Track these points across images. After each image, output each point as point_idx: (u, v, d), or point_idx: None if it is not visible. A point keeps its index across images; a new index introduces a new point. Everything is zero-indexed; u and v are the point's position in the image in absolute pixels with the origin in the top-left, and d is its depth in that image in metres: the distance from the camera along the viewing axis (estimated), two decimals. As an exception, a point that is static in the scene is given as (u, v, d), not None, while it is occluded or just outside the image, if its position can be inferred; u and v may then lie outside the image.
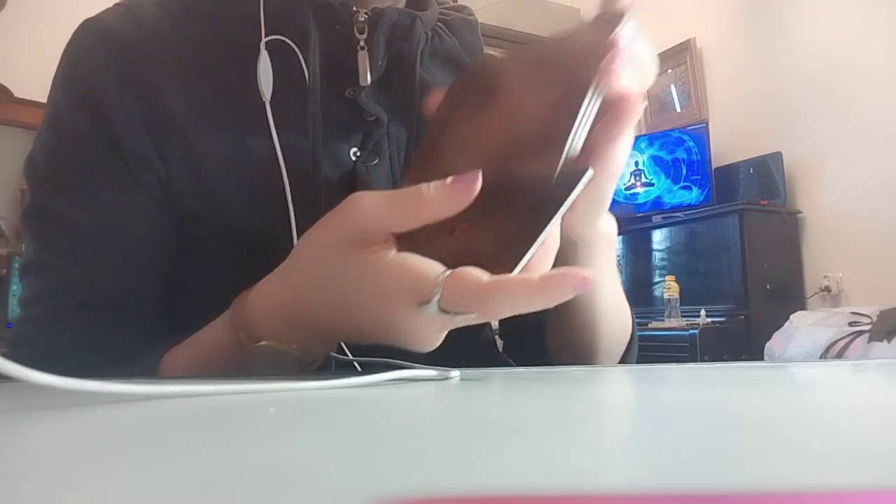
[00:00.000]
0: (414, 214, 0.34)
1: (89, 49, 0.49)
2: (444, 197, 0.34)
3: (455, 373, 0.35)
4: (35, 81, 0.61)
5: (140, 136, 0.48)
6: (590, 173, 0.34)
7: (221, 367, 0.40)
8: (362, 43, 0.50)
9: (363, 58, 0.50)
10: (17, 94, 2.57)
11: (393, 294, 0.33)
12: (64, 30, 0.56)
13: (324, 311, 0.37)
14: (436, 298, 0.32)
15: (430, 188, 0.34)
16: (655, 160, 3.23)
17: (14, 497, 0.11)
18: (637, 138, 3.37)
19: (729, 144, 3.08)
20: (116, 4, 0.52)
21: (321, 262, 0.36)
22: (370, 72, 0.50)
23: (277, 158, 0.47)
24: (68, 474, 0.13)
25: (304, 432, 0.18)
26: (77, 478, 0.13)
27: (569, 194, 0.33)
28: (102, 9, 0.52)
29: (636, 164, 3.28)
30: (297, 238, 0.45)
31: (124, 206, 0.48)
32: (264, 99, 0.48)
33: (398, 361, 0.37)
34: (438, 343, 0.35)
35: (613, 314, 0.51)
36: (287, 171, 0.48)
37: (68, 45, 0.51)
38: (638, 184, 3.26)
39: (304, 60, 0.49)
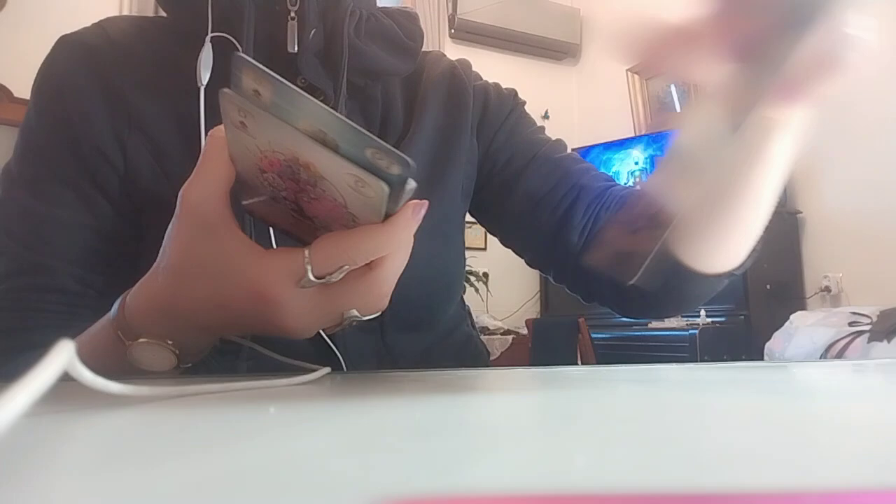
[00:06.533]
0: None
1: (60, 58, 0.56)
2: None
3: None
4: (35, 81, 0.61)
5: (101, 130, 0.53)
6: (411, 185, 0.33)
7: (110, 363, 0.41)
8: (293, 14, 0.54)
9: (292, 27, 0.54)
10: (17, 94, 2.58)
11: (267, 282, 0.35)
12: (64, 30, 0.57)
13: (198, 306, 0.38)
14: (309, 268, 0.34)
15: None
16: (655, 160, 3.23)
17: (13, 498, 0.11)
18: (637, 138, 3.37)
19: (729, 144, 3.08)
20: (93, 24, 0.59)
21: (183, 261, 0.38)
22: (299, 41, 0.54)
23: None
24: (69, 475, 0.13)
25: (303, 432, 0.18)
26: (77, 478, 0.13)
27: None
28: (97, 8, 0.56)
29: (636, 164, 3.28)
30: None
31: (76, 200, 0.53)
32: (199, 85, 0.53)
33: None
34: (316, 329, 0.38)
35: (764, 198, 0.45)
36: None
37: (45, 57, 0.56)
38: (638, 184, 3.27)
39: (245, 45, 0.53)
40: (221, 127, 0.35)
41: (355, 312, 0.37)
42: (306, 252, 0.35)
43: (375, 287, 0.37)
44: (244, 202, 0.39)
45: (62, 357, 0.17)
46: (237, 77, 0.30)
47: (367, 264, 0.36)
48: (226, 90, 0.31)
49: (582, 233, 0.61)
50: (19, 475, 0.13)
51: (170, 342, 0.39)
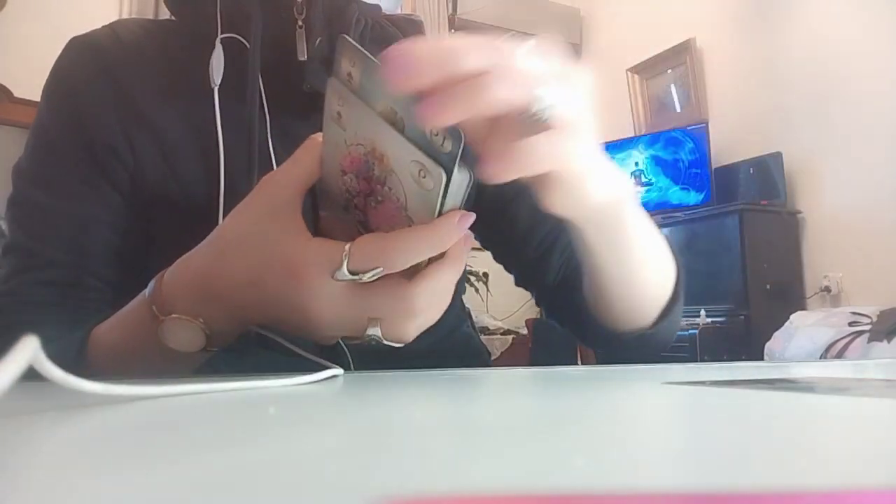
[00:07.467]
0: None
1: (71, 58, 0.57)
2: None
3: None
4: (35, 81, 0.62)
5: (111, 128, 0.54)
6: (463, 178, 0.33)
7: (138, 344, 0.42)
8: (300, 22, 0.55)
9: (300, 35, 0.55)
10: (17, 94, 2.57)
11: (303, 265, 0.36)
12: (64, 30, 0.58)
13: (233, 286, 0.39)
14: (345, 261, 0.35)
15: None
16: (655, 160, 3.23)
17: (14, 496, 0.11)
18: (637, 138, 3.37)
19: (729, 144, 3.08)
20: (104, 25, 0.60)
21: (234, 235, 0.39)
22: (307, 49, 0.55)
23: (231, 140, 0.53)
24: (68, 475, 0.13)
25: (304, 432, 0.18)
26: (76, 478, 0.13)
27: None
28: (97, 8, 0.57)
29: (636, 164, 3.28)
30: (225, 210, 0.50)
31: (89, 195, 0.53)
32: (213, 85, 0.54)
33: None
34: (338, 333, 0.38)
35: (645, 266, 0.50)
36: (238, 149, 0.53)
37: (57, 57, 0.57)
38: (638, 184, 3.26)
39: (253, 50, 0.54)
40: (319, 134, 0.38)
41: (378, 332, 0.37)
42: (347, 246, 0.35)
43: (407, 302, 0.36)
44: (321, 212, 0.41)
45: (25, 354, 0.16)
46: (337, 61, 0.34)
47: (406, 278, 0.36)
48: (332, 78, 0.34)
49: (557, 271, 0.63)
50: (10, 475, 0.13)
51: (201, 320, 0.40)
